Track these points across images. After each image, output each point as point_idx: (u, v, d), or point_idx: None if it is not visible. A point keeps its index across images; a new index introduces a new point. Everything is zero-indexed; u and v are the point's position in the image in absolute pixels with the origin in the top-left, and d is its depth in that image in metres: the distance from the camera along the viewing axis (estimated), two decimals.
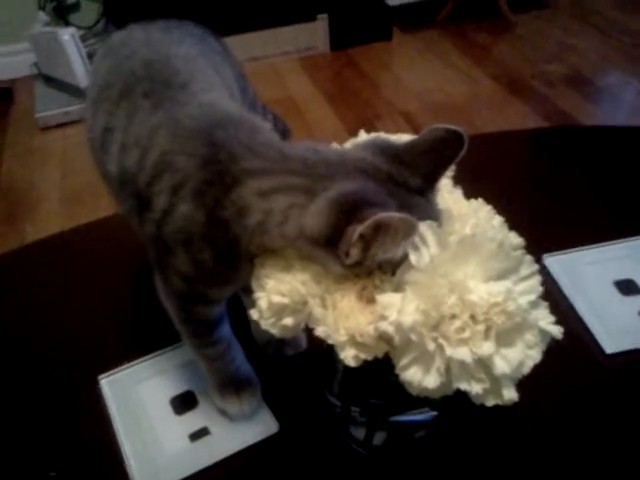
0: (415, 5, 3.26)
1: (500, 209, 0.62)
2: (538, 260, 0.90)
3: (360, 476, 0.71)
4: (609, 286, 0.90)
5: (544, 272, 0.92)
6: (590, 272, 0.92)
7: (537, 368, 0.51)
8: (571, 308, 0.87)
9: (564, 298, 0.89)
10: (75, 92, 2.66)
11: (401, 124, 2.50)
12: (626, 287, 0.89)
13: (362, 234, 0.49)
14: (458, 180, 0.67)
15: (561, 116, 2.49)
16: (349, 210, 0.51)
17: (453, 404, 0.63)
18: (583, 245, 0.96)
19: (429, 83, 2.78)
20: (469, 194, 0.65)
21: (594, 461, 0.71)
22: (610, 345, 0.82)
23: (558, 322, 0.52)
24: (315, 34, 3.05)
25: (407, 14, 3.21)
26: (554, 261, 0.93)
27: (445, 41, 3.09)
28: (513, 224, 0.60)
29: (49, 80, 2.81)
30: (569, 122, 2.44)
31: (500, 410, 0.56)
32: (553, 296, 0.88)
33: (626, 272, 0.91)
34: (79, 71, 2.64)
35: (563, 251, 0.95)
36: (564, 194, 1.09)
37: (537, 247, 0.92)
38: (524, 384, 0.51)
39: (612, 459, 0.71)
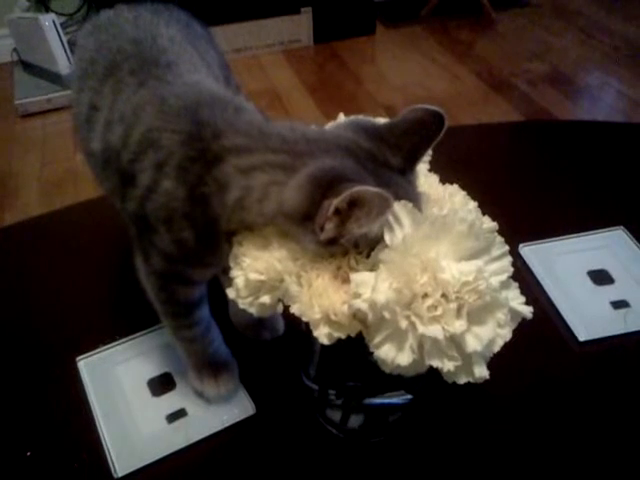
0: (399, 0, 3.27)
1: (477, 199, 0.63)
2: (514, 250, 0.94)
3: (336, 458, 0.72)
4: (583, 276, 0.91)
5: (520, 261, 0.93)
6: (564, 262, 0.93)
7: (512, 353, 0.52)
8: (546, 297, 0.89)
9: (539, 287, 0.90)
10: (56, 79, 2.63)
11: (383, 118, 2.51)
12: (599, 277, 0.91)
13: (337, 208, 0.50)
14: (437, 169, 0.68)
15: (541, 114, 2.52)
16: (326, 185, 0.51)
17: (427, 387, 0.65)
18: (558, 236, 0.97)
19: (411, 78, 2.80)
20: (447, 182, 0.65)
21: (563, 443, 0.73)
22: (583, 333, 0.83)
23: (533, 310, 0.54)
24: (299, 27, 3.05)
25: (391, 9, 3.23)
26: (530, 251, 0.95)
27: (428, 37, 3.11)
28: (490, 214, 0.61)
29: (29, 67, 2.78)
30: (549, 120, 2.47)
31: (473, 394, 0.58)
32: (528, 285, 0.91)
33: (599, 262, 0.93)
34: (60, 58, 2.62)
35: (539, 241, 0.97)
36: (541, 186, 1.11)
37: (513, 237, 0.94)
38: (498, 368, 0.53)
39: (580, 442, 0.73)
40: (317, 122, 0.69)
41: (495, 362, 0.52)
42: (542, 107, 2.57)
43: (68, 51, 2.63)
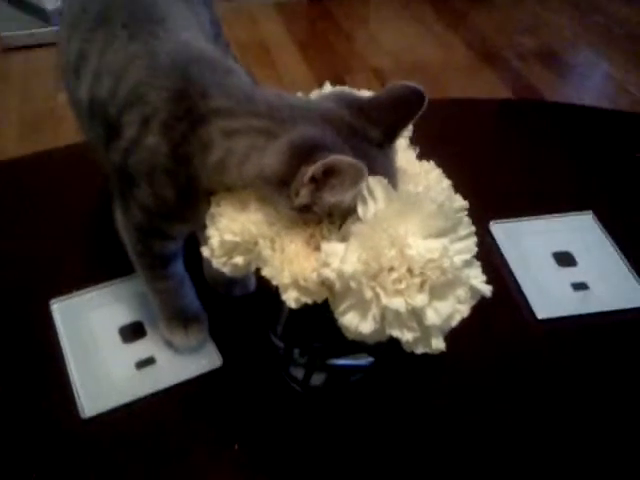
0: None
1: (455, 173, 0.65)
2: (485, 226, 0.96)
3: (296, 414, 0.75)
4: (548, 256, 0.95)
5: (489, 238, 0.96)
6: (532, 241, 0.96)
7: (471, 325, 0.55)
8: (510, 273, 0.92)
9: (505, 264, 0.93)
10: (41, 14, 2.56)
11: (371, 80, 2.50)
12: (563, 259, 0.94)
13: (313, 175, 0.52)
14: (419, 140, 0.69)
15: (528, 90, 2.52)
16: (305, 153, 0.53)
17: (389, 351, 0.67)
18: (530, 215, 1.00)
19: (403, 43, 2.78)
20: (429, 155, 0.67)
21: (511, 414, 0.77)
22: (542, 311, 0.87)
23: (496, 285, 0.56)
24: None
25: None
26: (500, 228, 0.98)
27: (423, 3, 3.07)
28: (465, 189, 0.63)
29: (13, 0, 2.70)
30: (535, 96, 2.47)
31: (433, 362, 0.60)
32: (495, 261, 0.94)
33: (565, 245, 0.96)
34: None
35: (510, 219, 0.99)
36: (520, 165, 1.13)
37: (485, 213, 0.98)
38: (460, 338, 0.55)
39: (529, 415, 0.77)
40: (304, 79, 0.69)
41: (457, 332, 0.55)
42: (530, 83, 2.58)
43: None
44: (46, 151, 1.10)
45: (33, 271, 0.88)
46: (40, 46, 2.49)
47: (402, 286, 0.51)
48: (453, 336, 0.55)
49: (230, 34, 0.92)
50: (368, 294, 0.51)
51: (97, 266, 0.88)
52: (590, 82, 2.72)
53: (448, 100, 1.57)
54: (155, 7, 0.70)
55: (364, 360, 0.76)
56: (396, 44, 2.76)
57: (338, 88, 0.68)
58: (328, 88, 0.69)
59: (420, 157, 0.67)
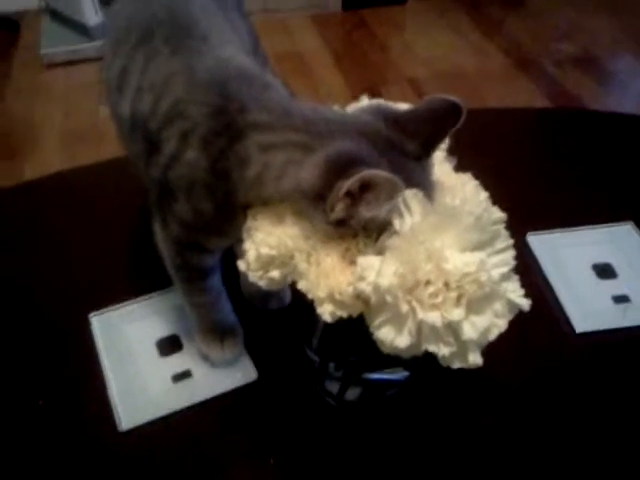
0: None
1: (493, 184, 0.64)
2: (522, 238, 0.95)
3: (332, 428, 0.75)
4: (587, 268, 0.93)
5: (526, 250, 0.95)
6: (571, 253, 0.94)
7: (509, 339, 0.54)
8: (548, 286, 0.90)
9: (543, 276, 0.91)
10: (82, 30, 2.63)
11: (407, 90, 2.50)
12: (603, 271, 0.92)
13: (349, 190, 0.52)
14: (457, 151, 0.69)
15: (566, 97, 2.49)
16: (341, 167, 0.53)
17: (425, 366, 0.67)
18: (568, 227, 0.98)
19: (438, 51, 2.77)
20: (466, 165, 0.66)
21: (553, 429, 0.75)
22: (580, 324, 0.85)
23: (535, 298, 0.56)
24: None
25: None
26: (537, 240, 0.96)
27: (458, 11, 3.07)
28: (502, 200, 0.62)
29: (57, 15, 2.77)
30: (575, 104, 2.44)
31: (470, 376, 0.60)
32: (533, 273, 0.92)
33: (604, 256, 0.94)
34: (87, 9, 2.61)
35: (547, 231, 0.97)
36: (558, 175, 1.11)
37: (523, 225, 0.97)
38: (496, 353, 0.55)
39: (569, 430, 0.75)
40: (340, 89, 0.70)
41: (494, 346, 0.54)
42: (568, 90, 2.54)
43: (96, 2, 2.62)
44: (86, 166, 1.12)
45: (73, 285, 0.90)
46: (82, 61, 2.56)
47: (438, 300, 0.50)
48: (491, 350, 0.55)
49: (266, 45, 0.93)
50: (404, 308, 0.50)
51: (135, 280, 0.90)
52: (631, 89, 2.67)
53: (485, 110, 1.56)
54: (197, 24, 0.71)
55: (400, 374, 0.76)
56: (431, 53, 2.76)
57: (375, 101, 0.68)
58: (365, 101, 0.69)
59: (457, 168, 0.67)
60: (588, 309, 0.87)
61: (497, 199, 0.62)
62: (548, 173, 1.12)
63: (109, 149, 0.86)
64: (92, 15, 2.62)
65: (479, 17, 3.03)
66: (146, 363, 0.80)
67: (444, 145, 0.67)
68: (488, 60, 2.74)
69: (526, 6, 3.13)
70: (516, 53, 2.76)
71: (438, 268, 0.50)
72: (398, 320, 0.51)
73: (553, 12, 3.10)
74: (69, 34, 2.66)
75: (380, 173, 0.51)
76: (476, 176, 0.65)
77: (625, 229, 0.98)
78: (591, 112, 1.91)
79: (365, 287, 0.51)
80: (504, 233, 0.54)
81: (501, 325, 0.52)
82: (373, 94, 0.71)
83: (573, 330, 0.85)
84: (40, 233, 0.98)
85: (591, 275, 0.92)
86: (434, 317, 0.50)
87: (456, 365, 0.53)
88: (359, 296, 0.52)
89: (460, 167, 0.67)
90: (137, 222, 0.95)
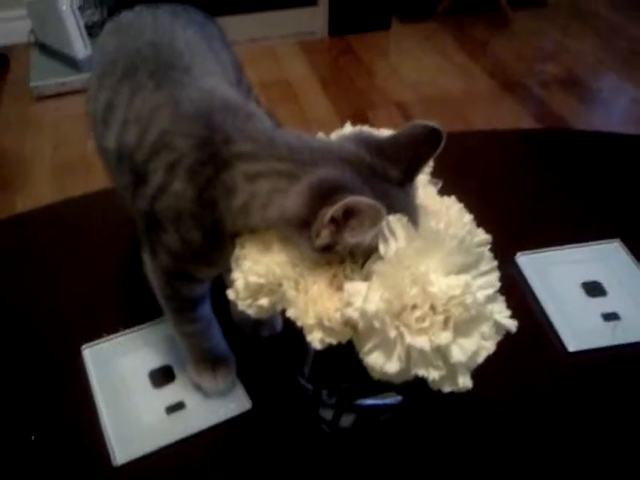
0: None
1: (480, 206, 0.65)
2: (511, 258, 0.96)
3: (326, 456, 0.74)
4: (576, 287, 0.93)
5: (516, 270, 0.95)
6: (560, 272, 0.95)
7: (501, 359, 0.54)
8: (539, 306, 0.91)
9: (533, 296, 0.92)
10: (71, 63, 2.66)
11: (394, 114, 2.52)
12: (592, 289, 0.93)
13: (333, 216, 0.52)
14: (443, 174, 0.69)
15: (553, 117, 2.52)
16: (325, 194, 0.54)
17: (417, 390, 0.67)
18: (556, 245, 0.99)
19: (425, 75, 2.81)
20: (452, 189, 0.67)
21: (547, 449, 0.75)
22: (573, 343, 0.85)
23: (525, 318, 0.56)
24: (314, 19, 3.06)
25: (407, 5, 3.22)
26: (526, 259, 0.97)
27: (443, 34, 3.11)
28: (490, 222, 0.63)
29: (45, 49, 2.80)
30: (561, 124, 2.47)
31: (463, 398, 0.60)
32: (523, 293, 0.93)
33: (593, 274, 0.95)
34: (76, 42, 2.64)
35: (536, 250, 0.98)
36: (545, 195, 1.12)
37: (511, 245, 0.98)
38: (488, 374, 0.55)
39: (564, 450, 0.75)
40: (328, 115, 0.71)
41: (485, 368, 0.54)
42: (554, 110, 2.57)
43: (85, 35, 2.65)
44: (76, 198, 1.13)
45: (65, 317, 0.89)
46: (71, 94, 2.58)
47: (426, 324, 0.50)
48: (484, 372, 0.55)
49: (254, 73, 0.95)
50: (392, 333, 0.51)
51: (127, 311, 0.89)
52: (615, 107, 2.71)
53: (470, 132, 1.58)
54: (181, 56, 0.72)
55: (393, 399, 0.75)
56: (418, 76, 2.79)
57: (357, 128, 0.69)
58: (348, 128, 0.70)
59: (443, 190, 0.67)
60: (578, 327, 0.87)
61: (484, 221, 0.63)
62: (535, 194, 1.13)
63: (98, 180, 0.87)
64: (81, 48, 2.64)
65: (464, 39, 3.07)
66: (139, 395, 0.80)
67: (428, 169, 0.68)
68: (474, 82, 2.78)
69: (510, 28, 3.18)
70: (501, 75, 2.80)
71: (424, 292, 0.50)
72: (387, 345, 0.52)
73: (537, 33, 3.15)
74: (58, 67, 2.69)
75: (363, 200, 0.51)
76: (463, 199, 0.65)
77: (613, 247, 0.99)
78: (576, 132, 1.94)
79: (352, 313, 0.51)
80: (488, 255, 0.55)
81: (489, 347, 0.52)
82: (361, 119, 0.72)
83: (565, 349, 0.85)
84: (30, 266, 0.98)
85: (581, 293, 0.92)
86: (422, 341, 0.50)
87: (447, 389, 0.53)
88: (347, 322, 0.53)
89: (446, 190, 0.67)
90: (127, 253, 0.95)
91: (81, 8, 2.75)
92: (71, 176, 2.17)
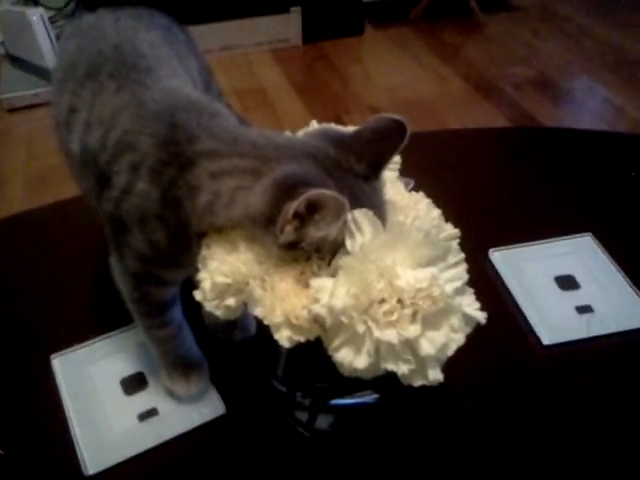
0: (388, 2, 3.29)
1: (454, 203, 0.65)
2: (485, 254, 0.96)
3: (304, 458, 0.74)
4: (550, 281, 0.93)
5: (489, 266, 0.96)
6: (533, 267, 0.95)
7: (477, 354, 0.54)
8: (513, 301, 0.91)
9: (507, 291, 0.92)
10: (43, 74, 2.63)
11: (368, 119, 2.52)
12: (566, 282, 0.93)
13: (296, 211, 0.51)
14: (416, 172, 0.69)
15: (526, 118, 2.55)
16: (288, 189, 0.53)
17: (393, 387, 0.66)
18: (529, 241, 0.99)
19: (398, 80, 2.82)
20: (427, 186, 0.67)
21: (522, 443, 0.75)
22: (547, 337, 0.85)
23: (499, 312, 0.55)
24: (288, 26, 3.07)
25: (380, 10, 3.24)
26: (500, 255, 0.97)
27: (416, 39, 3.13)
28: (464, 219, 0.63)
29: (16, 61, 2.77)
30: (534, 124, 2.49)
31: (439, 394, 0.60)
32: (496, 289, 0.93)
33: (566, 268, 0.95)
34: (47, 53, 2.61)
35: (509, 246, 0.98)
36: (517, 192, 1.13)
37: (485, 242, 0.98)
38: (464, 368, 0.54)
39: (540, 443, 0.75)
40: (304, 122, 0.70)
41: (461, 363, 0.54)
42: (527, 111, 2.60)
43: (56, 46, 2.63)
44: (45, 206, 1.11)
45: (33, 326, 0.88)
46: (44, 105, 2.55)
47: (394, 317, 0.50)
48: (459, 367, 0.54)
49: (229, 81, 0.94)
50: (360, 328, 0.50)
51: (96, 318, 0.88)
52: (586, 107, 2.75)
53: (444, 131, 1.59)
54: (142, 57, 0.71)
55: (369, 398, 0.75)
56: (391, 81, 2.81)
57: (323, 125, 0.68)
58: (314, 125, 0.70)
59: (418, 188, 0.67)
60: (553, 321, 0.87)
61: (457, 217, 0.63)
62: (508, 190, 1.14)
63: (71, 191, 0.86)
64: (52, 58, 2.62)
65: (436, 43, 3.10)
66: (111, 403, 0.78)
67: (396, 165, 0.68)
68: (448, 86, 2.80)
69: (482, 32, 3.21)
70: (475, 78, 2.82)
71: (390, 285, 0.50)
72: (355, 341, 0.51)
73: (509, 36, 3.18)
74: (30, 78, 2.66)
75: (326, 192, 0.51)
76: (435, 196, 0.65)
77: (584, 240, 0.99)
78: (547, 129, 1.96)
79: (319, 309, 0.51)
80: (456, 248, 0.54)
81: (458, 339, 0.52)
82: (336, 124, 0.71)
83: (540, 342, 0.85)
84: None
85: (554, 287, 0.93)
86: (390, 335, 0.50)
87: (417, 383, 0.52)
88: (315, 319, 0.52)
89: (421, 187, 0.67)
90: (95, 259, 0.93)
91: (52, 19, 2.73)
92: (44, 187, 2.15)
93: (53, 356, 0.82)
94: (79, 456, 0.72)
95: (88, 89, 0.69)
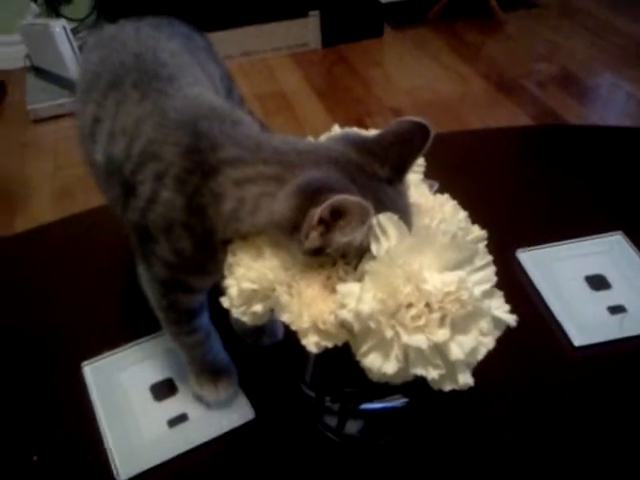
0: (407, 3, 3.28)
1: (480, 204, 0.64)
2: (512, 255, 0.95)
3: (334, 464, 0.73)
4: (580, 281, 0.92)
5: (518, 267, 0.94)
6: (562, 267, 0.94)
7: (508, 357, 0.53)
8: (542, 302, 0.89)
9: (536, 292, 0.91)
10: (67, 84, 2.66)
11: (391, 121, 2.51)
12: (596, 282, 0.92)
13: (321, 217, 0.51)
14: (441, 174, 0.68)
15: (550, 116, 2.52)
16: (312, 195, 0.53)
17: (422, 391, 0.66)
18: (558, 241, 0.98)
19: (419, 81, 2.81)
20: (450, 188, 0.67)
21: (555, 444, 0.74)
22: (578, 338, 0.84)
23: (528, 314, 0.55)
24: (307, 30, 3.07)
25: (399, 11, 3.23)
26: (527, 256, 0.96)
27: (436, 39, 3.12)
28: (489, 219, 0.62)
29: (41, 72, 2.82)
30: (558, 122, 2.46)
31: (470, 397, 0.59)
32: (525, 290, 0.92)
33: (597, 268, 0.93)
34: (71, 63, 2.65)
35: (537, 246, 0.97)
36: (544, 191, 1.11)
37: (512, 242, 0.97)
38: (494, 371, 0.53)
39: (573, 446, 0.74)
40: (325, 126, 0.70)
41: (492, 366, 0.53)
42: (550, 109, 2.57)
43: (79, 57, 2.66)
44: (73, 215, 1.12)
45: (65, 334, 0.89)
46: (69, 115, 2.59)
47: (422, 322, 0.49)
48: (489, 370, 0.54)
49: (249, 87, 0.95)
50: (388, 333, 0.50)
51: (125, 326, 0.89)
52: (612, 103, 2.70)
53: (467, 132, 1.57)
54: (164, 66, 0.72)
55: (399, 402, 0.74)
56: (412, 82, 2.79)
57: (345, 129, 0.68)
58: (336, 129, 0.70)
59: (442, 190, 0.67)
60: (584, 322, 0.86)
61: (483, 218, 0.62)
62: (535, 189, 1.12)
63: (97, 200, 0.87)
64: (76, 69, 2.65)
65: (456, 43, 3.08)
66: (141, 409, 0.79)
67: (420, 168, 0.67)
68: (469, 85, 2.78)
69: (502, 30, 3.18)
70: (496, 77, 2.80)
71: (418, 290, 0.49)
72: (384, 346, 0.51)
73: (529, 34, 3.15)
74: (54, 89, 2.70)
75: (350, 198, 0.51)
76: (460, 197, 0.65)
77: (615, 239, 0.98)
78: (571, 127, 1.93)
79: (346, 315, 0.50)
80: (483, 250, 0.54)
81: (488, 343, 0.51)
82: (358, 126, 0.71)
83: (571, 344, 0.84)
84: (28, 284, 0.98)
85: (585, 287, 0.91)
86: (419, 340, 0.49)
87: (447, 387, 0.52)
88: (343, 324, 0.52)
89: (445, 189, 0.67)
90: (124, 267, 0.94)
91: (74, 30, 2.77)
92: (70, 197, 2.17)
93: (84, 363, 0.83)
94: (111, 462, 0.73)
95: (112, 99, 0.70)
